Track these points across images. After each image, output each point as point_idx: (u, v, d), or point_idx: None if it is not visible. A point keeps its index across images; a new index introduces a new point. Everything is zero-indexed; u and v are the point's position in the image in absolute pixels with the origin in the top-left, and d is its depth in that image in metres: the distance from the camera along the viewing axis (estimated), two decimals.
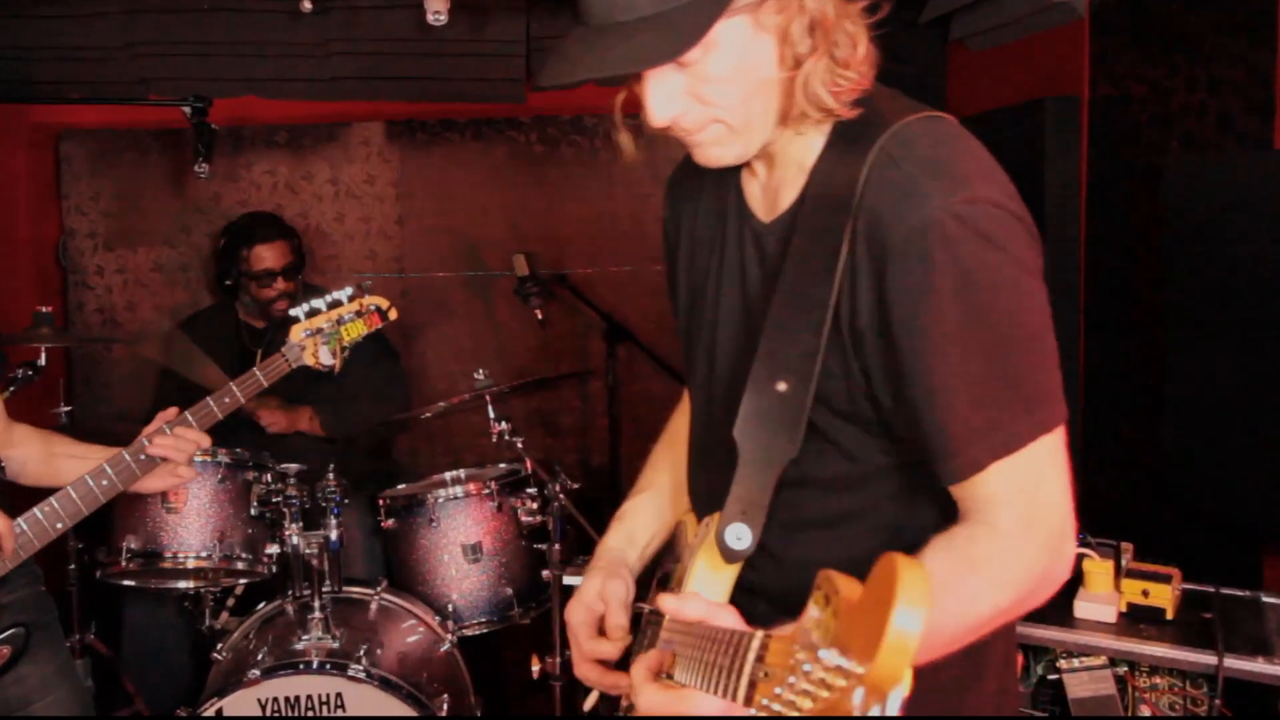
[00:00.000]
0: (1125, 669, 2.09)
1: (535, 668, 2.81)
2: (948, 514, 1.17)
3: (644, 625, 1.40)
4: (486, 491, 2.92)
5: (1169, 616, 2.10)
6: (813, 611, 0.77)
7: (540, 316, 3.71)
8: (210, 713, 2.50)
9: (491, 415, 2.93)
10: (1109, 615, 2.12)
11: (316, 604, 2.64)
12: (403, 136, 4.10)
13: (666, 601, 1.10)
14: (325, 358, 2.34)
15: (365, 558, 3.21)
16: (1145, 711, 2.08)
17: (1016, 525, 1.10)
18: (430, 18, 3.06)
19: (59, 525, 2.00)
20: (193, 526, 2.69)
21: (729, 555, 1.18)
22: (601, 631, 1.38)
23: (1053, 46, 3.10)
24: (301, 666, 2.52)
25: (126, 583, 2.74)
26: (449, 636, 2.81)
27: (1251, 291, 2.17)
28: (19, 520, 1.96)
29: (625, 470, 3.84)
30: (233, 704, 2.50)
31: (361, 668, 2.52)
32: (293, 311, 2.35)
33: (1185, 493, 2.42)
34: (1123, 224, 2.80)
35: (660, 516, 1.54)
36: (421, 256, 4.14)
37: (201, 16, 3.64)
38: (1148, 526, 2.51)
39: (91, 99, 3.76)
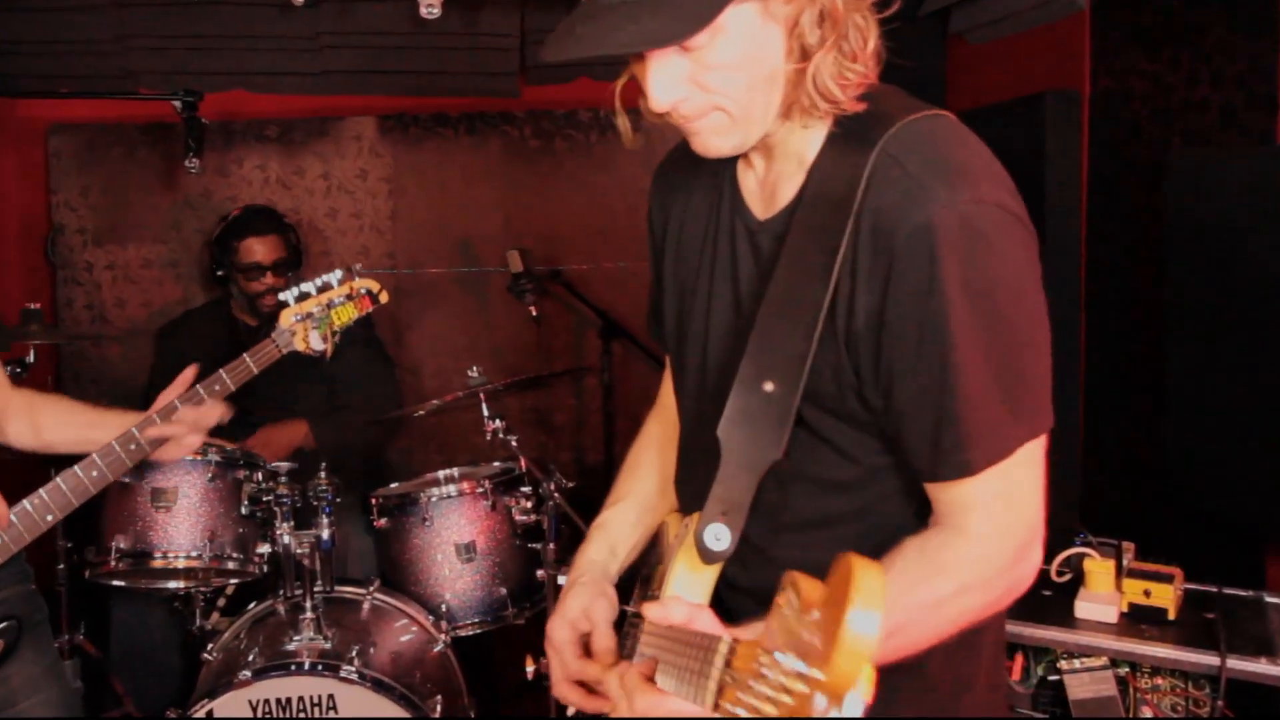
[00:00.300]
0: (1127, 670, 2.08)
1: (529, 668, 2.76)
2: None
3: (626, 629, 1.38)
4: (480, 490, 2.90)
5: (1171, 617, 2.09)
6: (777, 614, 0.77)
7: (535, 313, 3.68)
8: (200, 714, 2.47)
9: (485, 413, 2.91)
10: (1110, 615, 2.11)
11: (308, 604, 2.62)
12: (395, 131, 4.08)
13: (651, 610, 1.09)
14: (316, 343, 2.31)
15: (358, 557, 3.19)
16: (1147, 713, 2.07)
17: (990, 532, 1.12)
18: (423, 11, 3.02)
19: (49, 518, 1.97)
20: (183, 526, 2.66)
21: (707, 556, 1.17)
22: (587, 652, 1.36)
23: (1053, 40, 3.08)
24: (293, 667, 2.50)
25: (116, 583, 2.72)
26: (442, 637, 2.79)
27: (1254, 288, 2.15)
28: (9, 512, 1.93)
29: (620, 468, 3.80)
30: (223, 705, 2.47)
31: (354, 669, 2.50)
32: (282, 296, 2.33)
33: (1187, 491, 2.41)
34: (1124, 221, 2.79)
35: (640, 524, 1.53)
36: (414, 252, 4.12)
37: (192, 10, 3.61)
38: (1149, 526, 2.50)
39: (81, 93, 3.73)
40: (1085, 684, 2.09)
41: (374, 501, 2.97)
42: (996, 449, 1.10)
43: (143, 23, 3.67)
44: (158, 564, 2.66)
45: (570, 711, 1.44)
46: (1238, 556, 2.38)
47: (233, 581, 2.80)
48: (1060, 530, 2.25)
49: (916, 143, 1.12)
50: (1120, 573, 2.18)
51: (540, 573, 2.85)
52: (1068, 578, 2.25)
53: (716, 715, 0.84)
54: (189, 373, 2.15)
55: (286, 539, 2.64)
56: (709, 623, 1.03)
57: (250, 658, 2.57)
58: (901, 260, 1.08)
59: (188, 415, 2.12)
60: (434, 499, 2.88)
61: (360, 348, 3.37)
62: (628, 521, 1.53)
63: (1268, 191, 2.13)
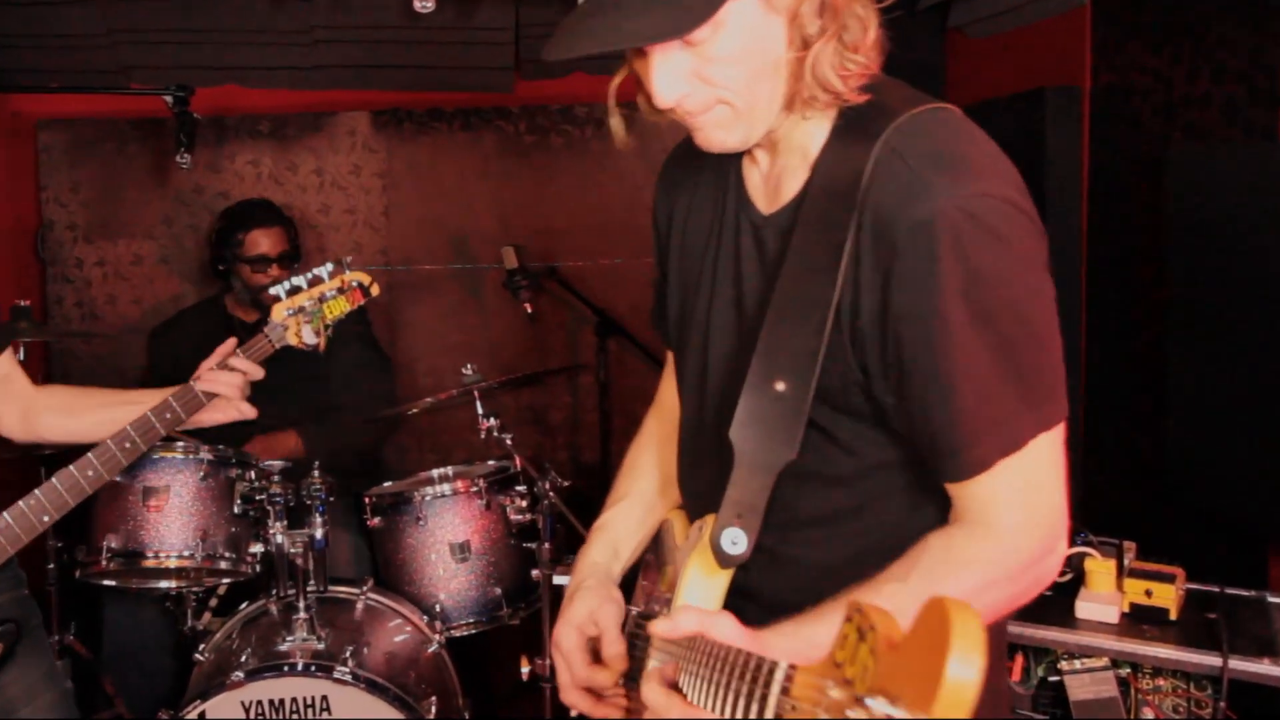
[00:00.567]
0: (1128, 670, 2.07)
1: (525, 669, 2.77)
2: (948, 512, 1.16)
3: (630, 635, 1.36)
4: (475, 489, 2.88)
5: (1173, 617, 2.08)
6: (843, 644, 0.73)
7: (530, 310, 3.65)
8: (192, 715, 2.45)
9: (480, 411, 2.89)
10: (1111, 616, 2.10)
11: (301, 604, 2.60)
12: (389, 126, 4.06)
13: (658, 627, 1.07)
14: (309, 337, 2.29)
15: (351, 557, 3.16)
16: (1148, 714, 2.07)
17: (1015, 526, 1.11)
18: (417, 5, 3.01)
19: (45, 519, 1.95)
20: (174, 525, 2.64)
21: (724, 560, 1.16)
22: (596, 658, 1.34)
23: (1053, 34, 3.08)
24: (286, 668, 2.48)
25: (107, 583, 2.69)
26: (437, 637, 2.77)
27: (1256, 285, 2.14)
28: (4, 514, 1.91)
29: (617, 467, 3.76)
30: (215, 707, 2.45)
31: (347, 669, 2.48)
32: (273, 290, 2.31)
33: (1189, 490, 2.40)
34: (1125, 217, 2.78)
35: (642, 524, 1.52)
36: (408, 248, 4.10)
37: (183, 4, 3.58)
38: (1151, 525, 2.50)
39: (71, 88, 3.71)
40: (1086, 685, 2.08)
41: (367, 501, 2.95)
42: (1008, 442, 1.09)
43: (134, 16, 3.65)
44: (149, 563, 2.64)
45: (573, 714, 1.42)
46: (1240, 556, 2.38)
47: (225, 581, 2.78)
48: None
49: (920, 136, 1.11)
50: (1121, 572, 2.17)
51: (535, 573, 2.83)
52: (1068, 577, 2.24)
53: None
54: (229, 344, 2.18)
55: (279, 538, 2.62)
56: (732, 628, 1.01)
57: (243, 658, 2.55)
58: (902, 254, 1.07)
59: (237, 371, 2.14)
60: (428, 498, 2.86)
61: (357, 346, 3.35)
62: (630, 521, 1.52)
63: (1270, 188, 2.12)
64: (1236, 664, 1.93)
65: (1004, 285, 1.08)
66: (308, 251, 3.97)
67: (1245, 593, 2.18)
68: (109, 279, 3.96)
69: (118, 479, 2.52)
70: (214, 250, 3.43)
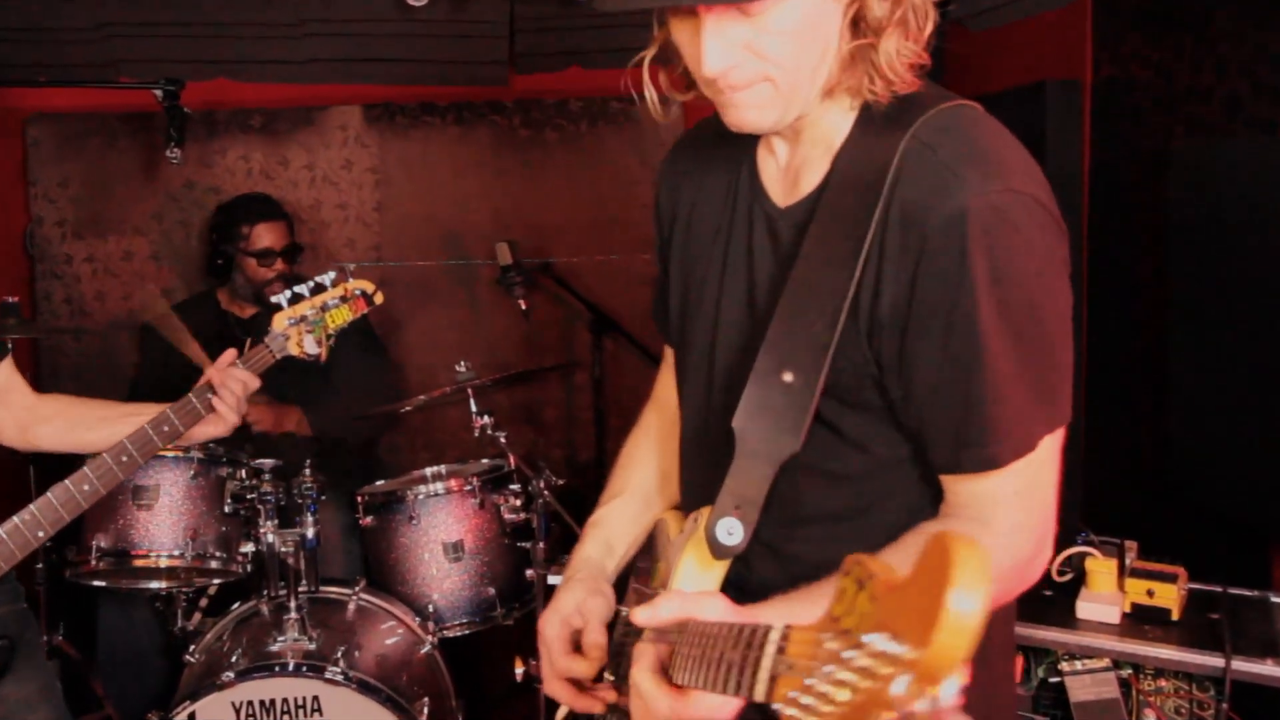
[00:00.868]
0: (1129, 671, 2.06)
1: (519, 670, 2.75)
2: None
3: (619, 634, 1.34)
4: (468, 488, 2.87)
5: (1174, 617, 2.07)
6: (842, 598, 0.70)
7: (524, 307, 3.63)
8: (182, 717, 2.44)
9: (473, 409, 2.88)
10: (1112, 616, 2.09)
11: (292, 604, 2.59)
12: (381, 120, 4.02)
13: (638, 614, 1.04)
14: (310, 347, 2.27)
15: (343, 556, 3.16)
16: (1150, 715, 2.06)
17: (1012, 525, 1.12)
18: None
19: (40, 534, 1.93)
20: (165, 524, 2.63)
21: (718, 551, 1.14)
22: (578, 649, 1.32)
23: (1054, 27, 3.07)
24: (277, 669, 2.48)
25: (97, 583, 2.68)
26: (429, 638, 2.75)
27: (1259, 282, 2.13)
28: None
29: (612, 465, 3.74)
30: (206, 708, 2.44)
31: (339, 670, 2.48)
32: (274, 299, 2.28)
33: (1191, 489, 2.39)
34: (1126, 212, 2.77)
35: (637, 522, 1.50)
36: (401, 244, 4.07)
37: None
38: (1152, 524, 2.49)
39: (60, 81, 3.66)
40: (1087, 686, 2.07)
41: (360, 499, 2.93)
42: (1023, 442, 1.10)
43: (123, 9, 3.61)
44: (139, 563, 2.63)
45: (561, 712, 1.40)
46: (1243, 555, 2.37)
47: (215, 581, 2.77)
48: (1061, 529, 2.22)
49: (950, 131, 1.10)
50: (1123, 572, 2.17)
51: (529, 572, 2.83)
52: (1069, 577, 2.24)
53: (775, 707, 0.76)
54: (229, 355, 2.15)
55: (270, 538, 2.61)
56: (721, 609, 0.99)
57: (233, 659, 2.54)
58: (932, 248, 1.06)
59: (236, 377, 2.11)
60: (421, 497, 2.85)
61: (356, 335, 3.32)
62: (625, 517, 1.50)
63: (1273, 182, 2.11)
64: (1239, 665, 1.92)
65: (1027, 283, 1.08)
66: None
67: (1248, 593, 2.17)
68: (98, 275, 3.92)
69: None
70: (214, 244, 3.40)
